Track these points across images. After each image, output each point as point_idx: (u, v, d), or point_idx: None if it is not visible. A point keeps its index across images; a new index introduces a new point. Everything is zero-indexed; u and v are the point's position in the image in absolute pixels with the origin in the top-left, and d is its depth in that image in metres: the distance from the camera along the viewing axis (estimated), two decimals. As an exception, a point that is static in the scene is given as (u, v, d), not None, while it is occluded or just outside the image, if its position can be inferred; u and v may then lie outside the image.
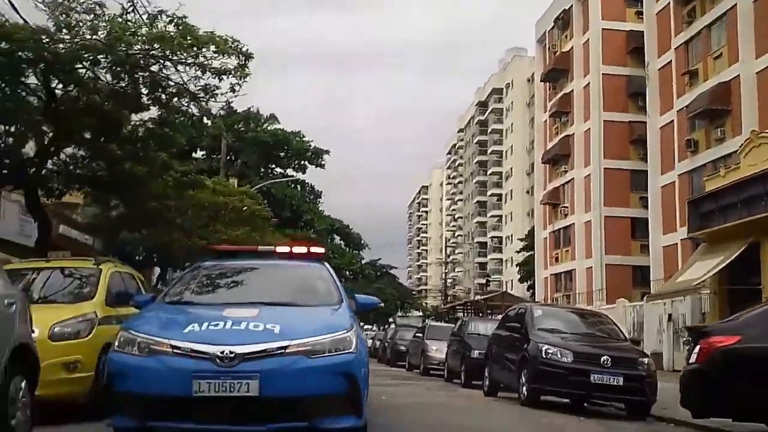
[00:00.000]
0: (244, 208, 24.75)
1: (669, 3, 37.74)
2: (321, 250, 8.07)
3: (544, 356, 11.28)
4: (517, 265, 73.75)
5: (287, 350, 5.58)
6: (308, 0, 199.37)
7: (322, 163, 42.39)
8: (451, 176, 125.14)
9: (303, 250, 8.06)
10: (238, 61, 11.51)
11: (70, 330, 7.86)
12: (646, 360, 11.42)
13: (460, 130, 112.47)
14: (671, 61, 37.39)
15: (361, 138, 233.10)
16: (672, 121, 37.15)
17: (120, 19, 11.03)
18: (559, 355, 11.21)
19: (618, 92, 47.42)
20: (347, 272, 49.52)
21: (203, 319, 5.90)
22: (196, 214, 21.71)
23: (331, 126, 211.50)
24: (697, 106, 33.41)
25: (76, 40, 10.64)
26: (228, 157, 34.71)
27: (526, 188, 78.39)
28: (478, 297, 76.33)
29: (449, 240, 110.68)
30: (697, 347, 7.95)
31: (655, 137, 39.60)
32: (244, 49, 11.54)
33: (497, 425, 9.62)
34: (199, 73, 11.61)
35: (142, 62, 11.36)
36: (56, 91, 12.00)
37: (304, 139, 41.96)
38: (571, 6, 52.49)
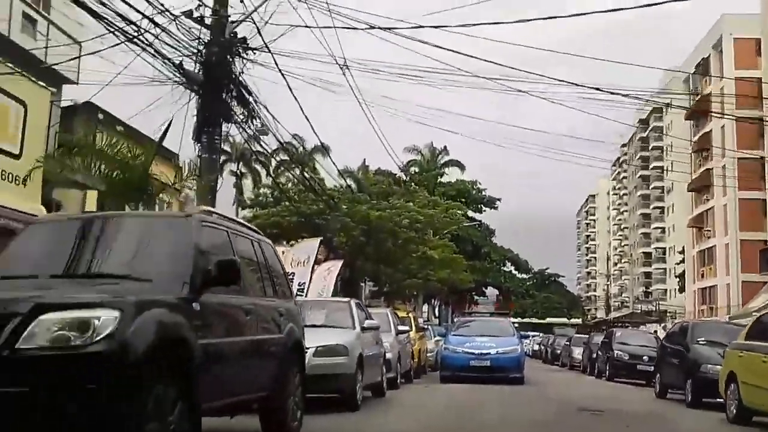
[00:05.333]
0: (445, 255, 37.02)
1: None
2: (508, 311, 20.56)
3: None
4: (676, 276, 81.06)
5: (498, 352, 17.95)
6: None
7: (495, 206, 54.65)
8: (616, 187, 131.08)
9: (501, 311, 20.61)
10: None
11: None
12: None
13: (623, 145, 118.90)
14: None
15: (526, 140, 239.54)
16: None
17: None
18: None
19: (752, 133, 55.33)
20: (517, 291, 61.01)
21: (470, 341, 18.36)
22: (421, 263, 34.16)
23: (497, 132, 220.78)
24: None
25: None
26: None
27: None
28: (640, 307, 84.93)
29: (616, 249, 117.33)
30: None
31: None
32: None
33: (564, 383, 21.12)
34: None
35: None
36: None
37: (480, 187, 54.38)
38: (709, 55, 60.82)
